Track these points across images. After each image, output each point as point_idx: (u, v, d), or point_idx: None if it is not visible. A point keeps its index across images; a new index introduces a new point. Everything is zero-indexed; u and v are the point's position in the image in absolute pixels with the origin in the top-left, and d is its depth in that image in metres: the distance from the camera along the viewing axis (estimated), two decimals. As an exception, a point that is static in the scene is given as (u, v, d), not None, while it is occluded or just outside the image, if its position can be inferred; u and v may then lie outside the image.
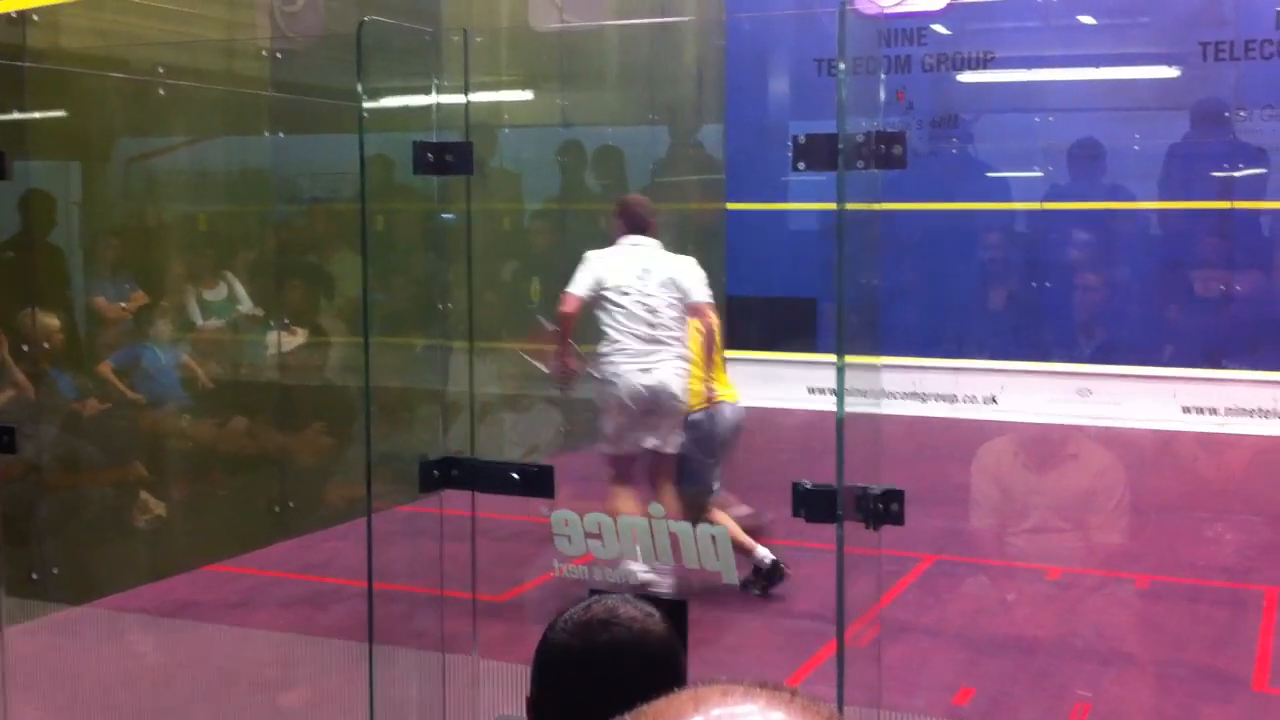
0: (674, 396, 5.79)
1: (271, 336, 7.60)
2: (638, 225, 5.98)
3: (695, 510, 5.89)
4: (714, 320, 5.98)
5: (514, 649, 5.28)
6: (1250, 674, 5.28)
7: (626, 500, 5.69)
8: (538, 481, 4.42)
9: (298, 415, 7.72)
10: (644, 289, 5.79)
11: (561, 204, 10.48)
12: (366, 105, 4.03)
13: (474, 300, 5.42)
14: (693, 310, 5.88)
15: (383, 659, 4.53)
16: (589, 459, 9.02)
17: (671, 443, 5.84)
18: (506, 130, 9.96)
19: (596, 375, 5.91)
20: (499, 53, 9.67)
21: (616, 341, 5.80)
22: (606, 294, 5.81)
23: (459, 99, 4.34)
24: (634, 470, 5.88)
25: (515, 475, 4.54)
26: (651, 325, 5.77)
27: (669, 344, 5.79)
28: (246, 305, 7.55)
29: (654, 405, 5.80)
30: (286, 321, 7.67)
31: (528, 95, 10.31)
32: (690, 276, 5.88)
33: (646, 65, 11.28)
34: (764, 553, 5.92)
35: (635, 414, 5.81)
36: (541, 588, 5.92)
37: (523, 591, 6.03)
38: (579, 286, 5.87)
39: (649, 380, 5.76)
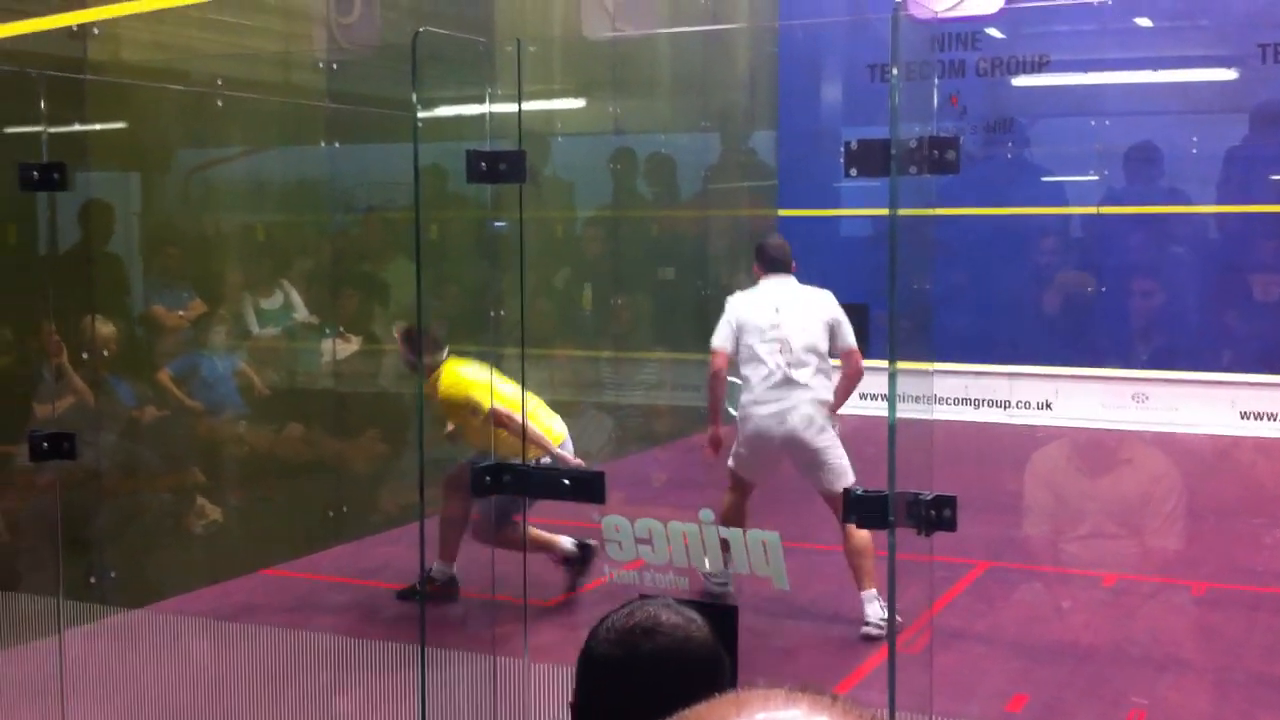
0: (805, 444, 5.73)
1: (327, 344, 7.67)
2: (775, 266, 6.00)
3: (505, 543, 5.85)
4: (860, 365, 5.89)
5: (565, 653, 5.31)
6: (1310, 683, 5.21)
7: (731, 499, 5.76)
8: (589, 487, 4.42)
9: (352, 422, 7.80)
10: (779, 331, 5.79)
11: (614, 211, 10.52)
12: (421, 115, 4.05)
13: (527, 307, 5.45)
14: (843, 355, 5.87)
15: (435, 662, 4.56)
16: (640, 464, 9.05)
17: (827, 481, 5.70)
18: (559, 138, 10.00)
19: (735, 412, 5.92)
20: (552, 62, 9.72)
21: (750, 382, 5.80)
22: (743, 336, 5.83)
23: (512, 108, 4.36)
24: (748, 489, 5.87)
25: (566, 481, 4.56)
26: (787, 366, 5.75)
27: (802, 386, 5.74)
28: (302, 313, 7.63)
29: (785, 451, 5.80)
30: (341, 329, 7.75)
31: (580, 103, 10.35)
32: (839, 320, 5.87)
33: (699, 72, 11.29)
34: (566, 541, 6.02)
35: (766, 455, 5.82)
36: (593, 593, 5.94)
37: (573, 596, 6.06)
38: (722, 339, 5.88)
39: (780, 429, 5.72)
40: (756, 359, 5.78)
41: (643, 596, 2.29)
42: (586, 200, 10.39)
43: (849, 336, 5.87)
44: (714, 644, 2.05)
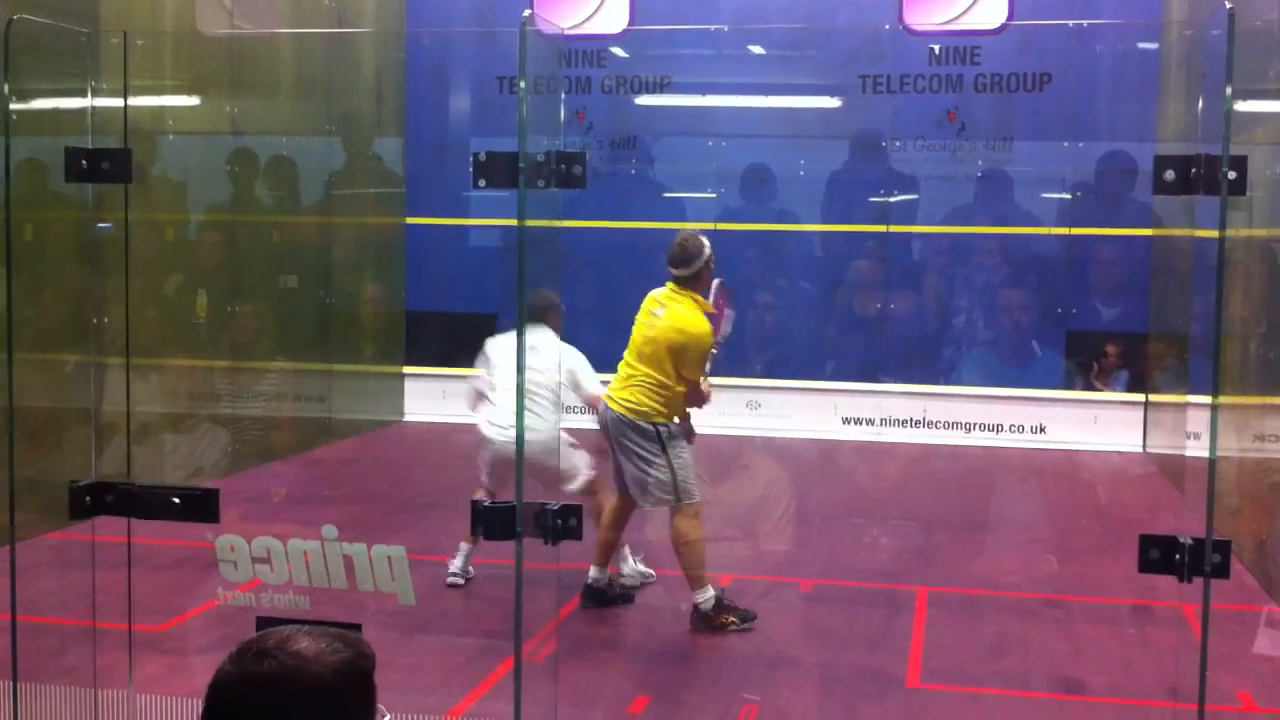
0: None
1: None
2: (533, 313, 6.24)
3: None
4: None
5: (174, 682, 5.02)
6: (905, 671, 5.59)
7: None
8: (201, 506, 4.22)
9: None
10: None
11: (231, 215, 10.09)
12: (15, 107, 3.84)
13: (133, 315, 5.12)
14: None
15: (28, 698, 4.23)
16: (258, 480, 8.71)
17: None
18: (170, 137, 9.53)
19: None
20: (163, 57, 9.24)
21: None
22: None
23: (117, 103, 4.15)
24: None
25: (176, 500, 4.32)
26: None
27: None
28: None
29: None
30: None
31: (194, 101, 9.89)
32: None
33: (322, 75, 11.02)
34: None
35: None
36: (204, 616, 5.65)
37: (184, 620, 5.75)
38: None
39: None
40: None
41: (276, 621, 2.18)
42: (200, 203, 9.93)
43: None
44: (341, 681, 1.97)
